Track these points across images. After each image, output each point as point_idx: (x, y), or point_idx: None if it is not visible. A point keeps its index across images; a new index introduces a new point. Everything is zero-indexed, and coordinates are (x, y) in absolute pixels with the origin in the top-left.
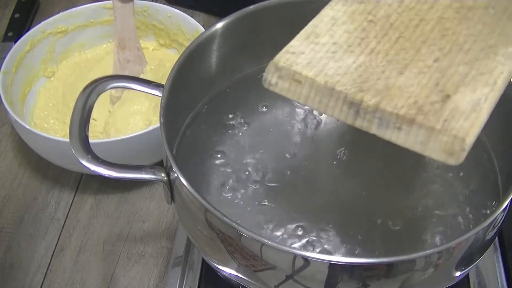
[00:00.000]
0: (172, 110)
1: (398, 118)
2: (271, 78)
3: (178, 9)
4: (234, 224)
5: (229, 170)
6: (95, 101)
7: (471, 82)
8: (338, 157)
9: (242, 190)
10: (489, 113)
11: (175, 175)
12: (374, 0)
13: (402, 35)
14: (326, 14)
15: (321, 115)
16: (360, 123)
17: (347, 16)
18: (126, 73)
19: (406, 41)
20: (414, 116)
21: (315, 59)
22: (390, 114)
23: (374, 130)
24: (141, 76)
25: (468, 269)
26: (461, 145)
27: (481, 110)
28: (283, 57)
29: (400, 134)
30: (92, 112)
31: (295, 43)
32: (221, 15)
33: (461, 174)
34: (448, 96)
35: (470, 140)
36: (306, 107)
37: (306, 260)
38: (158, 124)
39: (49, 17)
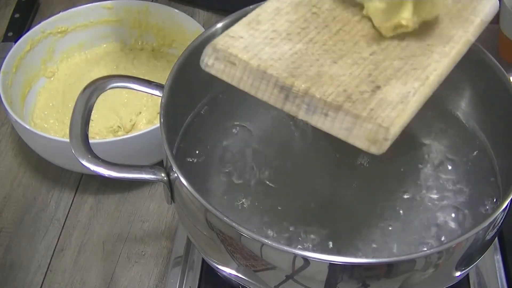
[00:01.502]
0: (172, 110)
1: (326, 104)
2: (208, 60)
3: (178, 9)
4: (234, 224)
5: (229, 170)
6: (95, 101)
7: (403, 76)
8: (337, 156)
9: (242, 190)
10: (418, 106)
11: (175, 175)
12: None
13: (343, 28)
14: (271, 4)
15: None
16: (289, 108)
17: (292, 7)
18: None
19: (346, 34)
20: (341, 103)
21: (252, 44)
22: (318, 100)
23: (301, 115)
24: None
25: (468, 269)
26: (385, 134)
27: (409, 103)
28: (221, 40)
29: (326, 120)
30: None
31: (236, 28)
32: (222, 11)
33: (461, 174)
34: (378, 87)
35: (394, 130)
36: None
37: (306, 260)
38: (158, 124)
39: (49, 17)
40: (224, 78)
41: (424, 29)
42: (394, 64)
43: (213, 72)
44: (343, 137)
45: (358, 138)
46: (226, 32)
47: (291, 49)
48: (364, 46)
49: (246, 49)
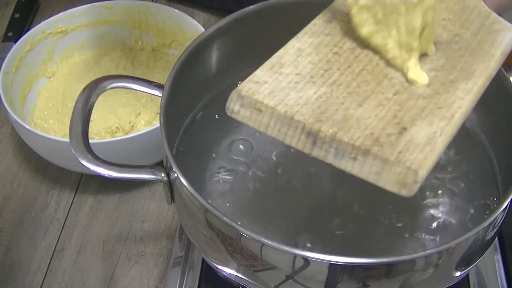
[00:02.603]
0: (172, 110)
1: (354, 148)
2: (233, 106)
3: (178, 9)
4: (234, 224)
5: (229, 170)
6: (95, 101)
7: (429, 115)
8: None
9: (242, 190)
10: (444, 146)
11: (175, 175)
12: (341, 33)
13: (366, 68)
14: (292, 45)
15: None
16: (317, 153)
17: (313, 47)
18: None
19: (368, 73)
20: (369, 147)
21: (277, 88)
22: (346, 144)
23: (330, 159)
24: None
25: (468, 269)
26: (414, 177)
27: (436, 144)
28: (246, 86)
29: (355, 164)
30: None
31: (260, 73)
32: (221, 11)
33: (461, 174)
34: (404, 129)
35: (423, 172)
36: None
37: (306, 260)
38: (158, 124)
39: (49, 17)
40: (251, 124)
41: (446, 65)
42: (419, 103)
43: (239, 118)
44: (372, 180)
45: (388, 182)
46: (249, 77)
47: (316, 93)
48: (388, 86)
49: (272, 95)
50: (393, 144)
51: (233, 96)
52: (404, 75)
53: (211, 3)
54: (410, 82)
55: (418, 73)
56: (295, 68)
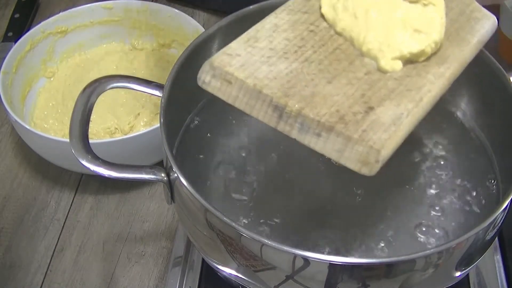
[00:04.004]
0: (172, 110)
1: (319, 125)
2: (205, 77)
3: (178, 9)
4: (234, 224)
5: (229, 170)
6: (95, 101)
7: (397, 97)
8: None
9: (242, 190)
10: (410, 128)
11: (175, 175)
12: (319, 12)
13: (340, 47)
14: (269, 21)
15: None
16: (282, 127)
17: (289, 24)
18: None
19: (342, 52)
20: (334, 124)
21: (249, 62)
22: (311, 120)
23: (294, 134)
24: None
25: (468, 269)
26: (376, 156)
27: (401, 125)
28: (219, 57)
29: (318, 140)
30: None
31: (234, 45)
32: (221, 12)
33: (461, 174)
34: (371, 108)
35: (385, 152)
36: None
37: (306, 260)
38: (158, 124)
39: (49, 17)
40: (220, 95)
41: None
42: (389, 84)
43: (209, 89)
44: (335, 158)
45: (350, 160)
46: (223, 49)
47: (287, 68)
48: (359, 66)
49: (243, 68)
50: (358, 123)
51: (205, 66)
52: (377, 64)
53: (210, 5)
54: (381, 71)
55: (391, 63)
56: (270, 43)
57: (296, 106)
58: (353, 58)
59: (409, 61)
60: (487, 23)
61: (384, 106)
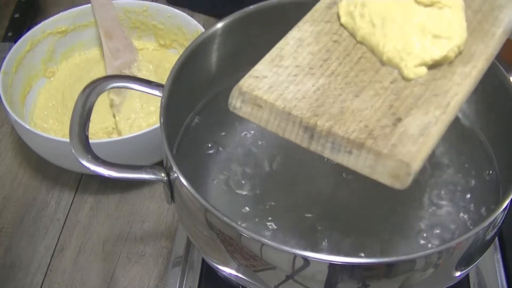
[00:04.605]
0: (172, 110)
1: (349, 142)
2: (235, 102)
3: (178, 9)
4: (234, 224)
5: (230, 170)
6: (95, 101)
7: (424, 104)
8: None
9: (242, 190)
10: (440, 136)
11: (175, 175)
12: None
13: (364, 55)
14: (293, 36)
15: None
16: (315, 147)
17: (313, 36)
18: (119, 61)
19: (367, 61)
20: (363, 140)
21: (276, 82)
22: (341, 138)
23: (327, 154)
24: (135, 64)
25: (468, 269)
26: (407, 170)
27: (430, 134)
28: (246, 82)
29: (350, 158)
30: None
31: (260, 67)
32: (221, 17)
33: (461, 174)
34: (399, 120)
35: (416, 165)
36: None
37: (306, 260)
38: (158, 124)
39: (49, 17)
40: (252, 120)
41: None
42: (415, 91)
43: (241, 114)
44: (367, 174)
45: (382, 175)
46: (250, 72)
47: (314, 85)
48: (385, 74)
49: (271, 90)
50: (387, 137)
51: (235, 92)
52: (401, 73)
53: (209, 9)
54: (406, 80)
55: (414, 70)
56: (295, 60)
57: (326, 125)
58: (379, 66)
59: (433, 66)
60: (511, 10)
61: (412, 115)
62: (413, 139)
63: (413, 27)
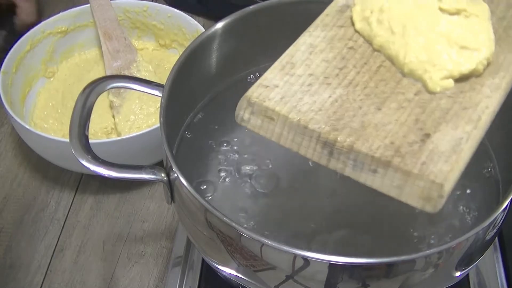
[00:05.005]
0: (172, 110)
1: (374, 160)
2: (243, 114)
3: (178, 9)
4: (234, 224)
5: (230, 170)
6: (95, 101)
7: (453, 118)
8: None
9: (242, 190)
10: (471, 153)
11: (175, 175)
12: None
13: (383, 64)
14: (303, 41)
15: None
16: (334, 165)
17: (326, 42)
18: (119, 62)
19: (387, 71)
20: (390, 158)
21: (289, 93)
22: (365, 155)
23: (348, 172)
24: (135, 65)
25: (468, 269)
26: (439, 191)
27: (462, 152)
28: (255, 92)
29: (375, 177)
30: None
31: (269, 75)
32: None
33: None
34: (427, 135)
35: (448, 185)
36: None
37: (306, 260)
38: (158, 124)
39: (49, 17)
40: (262, 133)
41: None
42: (442, 104)
43: (249, 127)
44: (394, 195)
45: (411, 197)
46: (259, 81)
47: (331, 96)
48: (408, 84)
49: (284, 101)
50: (415, 155)
51: (243, 103)
52: (425, 85)
53: (208, 11)
54: (431, 93)
55: (440, 84)
56: (308, 67)
57: (347, 141)
58: (400, 77)
59: (460, 78)
60: None
61: (441, 131)
62: (444, 157)
63: (438, 37)
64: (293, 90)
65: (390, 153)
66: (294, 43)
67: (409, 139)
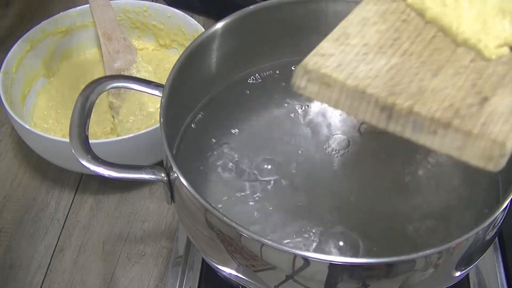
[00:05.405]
0: (172, 110)
1: (433, 121)
2: (300, 82)
3: (178, 9)
4: (234, 224)
5: (230, 170)
6: (95, 101)
7: (510, 83)
8: (343, 155)
9: (242, 190)
10: None
11: (175, 175)
12: None
13: (437, 34)
14: (356, 14)
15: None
16: (393, 128)
17: (379, 16)
18: (118, 63)
19: (441, 40)
20: (450, 119)
21: (345, 61)
22: (424, 118)
23: (408, 134)
24: (134, 65)
25: (468, 269)
26: (501, 150)
27: None
28: (312, 60)
29: (435, 138)
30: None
31: (325, 44)
32: (218, 18)
33: (461, 174)
34: (485, 99)
35: (510, 144)
36: (304, 106)
37: (306, 260)
38: (158, 124)
39: (49, 17)
40: (319, 100)
41: None
42: (498, 70)
43: (306, 94)
44: (455, 155)
45: (472, 157)
46: (315, 50)
47: (387, 64)
48: (463, 53)
49: (340, 68)
50: (474, 116)
51: (299, 71)
52: (480, 54)
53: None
54: (486, 60)
55: (496, 51)
56: (362, 38)
57: (406, 104)
58: (454, 46)
59: None
60: None
61: (498, 95)
62: (504, 118)
63: (491, 8)
64: (348, 59)
65: (449, 114)
66: (347, 17)
67: (467, 102)
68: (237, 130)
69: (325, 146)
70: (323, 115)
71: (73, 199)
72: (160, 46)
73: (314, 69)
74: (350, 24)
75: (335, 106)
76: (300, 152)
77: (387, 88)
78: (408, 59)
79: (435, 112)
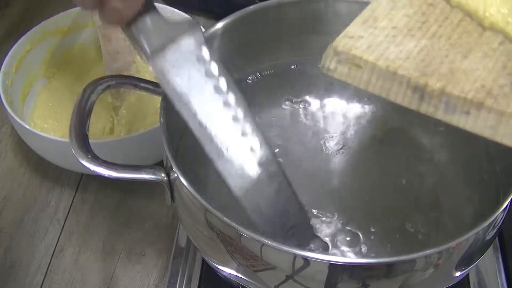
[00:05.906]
0: (172, 110)
1: (466, 102)
2: (329, 63)
3: (178, 9)
4: (234, 224)
5: None
6: (95, 101)
7: None
8: (342, 152)
9: None
10: None
11: (175, 175)
12: None
13: (465, 18)
14: None
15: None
16: (425, 109)
17: (406, 0)
18: (118, 64)
19: (468, 24)
20: (482, 99)
21: (374, 43)
22: (457, 98)
23: (440, 115)
24: (134, 66)
25: (468, 269)
26: None
27: None
28: (341, 41)
29: (468, 119)
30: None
31: (353, 28)
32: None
33: (461, 174)
34: None
35: None
36: (303, 106)
37: (306, 260)
38: (158, 124)
39: (49, 17)
40: (350, 81)
41: None
42: None
43: (336, 76)
44: (488, 135)
45: (506, 136)
46: (344, 32)
47: (417, 46)
48: (491, 36)
49: (370, 49)
50: (507, 96)
51: (329, 52)
52: (508, 37)
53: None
54: None
55: None
56: (390, 21)
57: (438, 85)
58: (481, 30)
59: None
60: None
61: None
62: None
63: None
64: (378, 41)
65: (482, 95)
66: (372, 2)
67: (499, 82)
68: None
69: (324, 146)
70: (323, 114)
71: (73, 199)
72: None
73: (344, 51)
74: (378, 7)
75: (366, 87)
76: (299, 151)
77: (418, 69)
78: (437, 41)
79: (468, 92)
